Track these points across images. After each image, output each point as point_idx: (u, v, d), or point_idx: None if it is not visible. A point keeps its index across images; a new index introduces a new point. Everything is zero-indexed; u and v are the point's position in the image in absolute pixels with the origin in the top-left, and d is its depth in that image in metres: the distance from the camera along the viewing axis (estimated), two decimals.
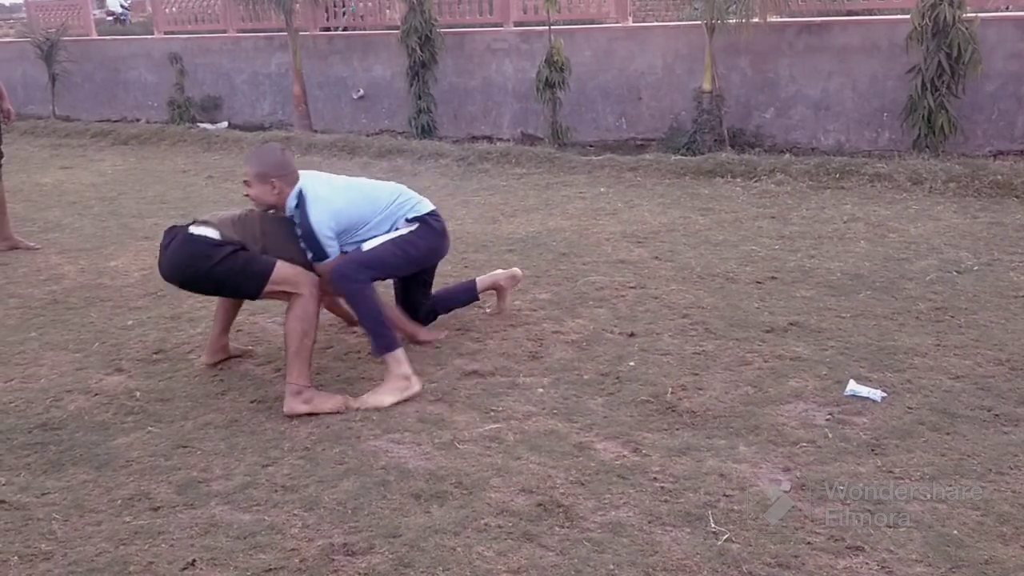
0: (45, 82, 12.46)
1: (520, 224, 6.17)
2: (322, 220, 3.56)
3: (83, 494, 2.85)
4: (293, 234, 3.62)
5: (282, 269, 3.46)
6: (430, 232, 3.88)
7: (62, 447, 3.18)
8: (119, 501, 2.80)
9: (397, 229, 3.79)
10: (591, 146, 9.16)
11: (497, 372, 3.71)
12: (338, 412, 3.37)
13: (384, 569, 2.41)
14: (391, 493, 2.79)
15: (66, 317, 4.55)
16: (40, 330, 4.37)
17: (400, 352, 3.57)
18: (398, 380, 3.51)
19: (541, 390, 3.52)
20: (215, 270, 3.41)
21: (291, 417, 3.33)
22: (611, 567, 2.38)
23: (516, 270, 4.44)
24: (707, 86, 8.29)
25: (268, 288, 3.45)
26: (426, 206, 3.94)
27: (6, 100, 5.88)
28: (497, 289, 4.36)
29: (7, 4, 33.19)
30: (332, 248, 3.59)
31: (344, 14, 11.15)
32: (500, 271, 4.42)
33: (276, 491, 2.84)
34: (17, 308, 4.71)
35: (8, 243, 5.87)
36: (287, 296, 3.48)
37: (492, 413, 3.34)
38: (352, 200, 3.72)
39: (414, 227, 3.82)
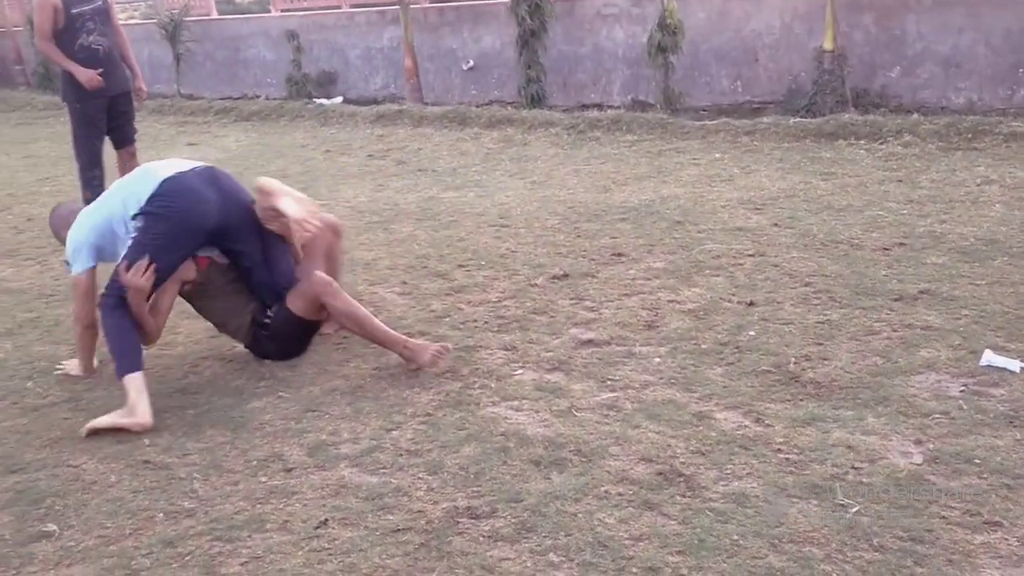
0: (170, 62, 12.97)
1: (632, 192, 6.11)
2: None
3: (221, 455, 3.00)
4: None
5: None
6: (156, 218, 3.50)
7: (200, 410, 3.35)
8: (254, 462, 2.93)
9: (132, 235, 3.53)
10: (704, 111, 8.95)
11: (613, 341, 3.71)
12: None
13: (507, 532, 2.46)
14: (511, 459, 2.83)
15: None
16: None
17: (138, 377, 3.32)
18: (126, 407, 3.26)
19: (658, 359, 3.49)
20: None
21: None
22: (735, 537, 2.36)
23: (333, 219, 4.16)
24: (828, 45, 7.97)
25: None
26: (149, 186, 3.57)
27: (140, 79, 6.14)
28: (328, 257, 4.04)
29: None
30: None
31: None
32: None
33: (401, 455, 2.92)
34: None
35: None
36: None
37: (609, 382, 3.34)
38: (94, 226, 3.62)
39: (139, 224, 3.52)
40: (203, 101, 11.95)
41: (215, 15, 14.00)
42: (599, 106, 9.68)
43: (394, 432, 3.08)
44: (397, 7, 10.59)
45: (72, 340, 3.83)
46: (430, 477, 2.78)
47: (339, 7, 12.21)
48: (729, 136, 7.46)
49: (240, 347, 3.88)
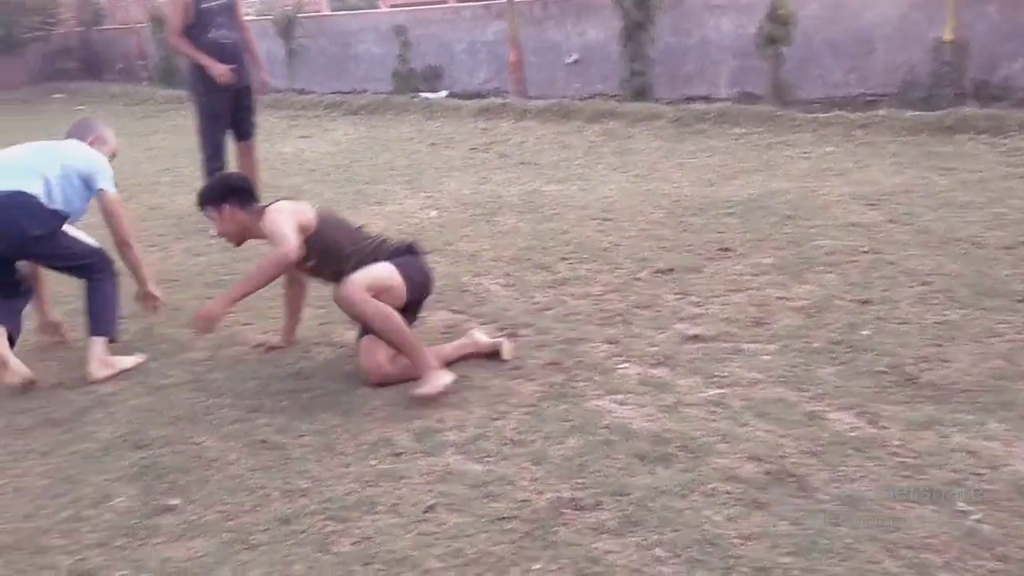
0: (283, 57, 13.38)
1: (740, 186, 6.00)
2: None
3: (333, 438, 3.09)
4: None
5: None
6: None
7: (313, 394, 3.45)
8: (365, 446, 3.01)
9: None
10: (816, 103, 8.70)
11: (720, 337, 3.65)
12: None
13: (612, 525, 2.45)
14: (616, 452, 2.83)
15: None
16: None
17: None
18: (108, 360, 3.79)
19: (767, 357, 3.43)
20: None
21: None
22: (848, 541, 2.30)
23: None
24: (948, 35, 7.65)
25: None
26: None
27: (264, 72, 6.36)
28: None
29: None
30: None
31: None
32: None
33: (505, 444, 2.95)
34: None
35: None
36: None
37: (716, 378, 3.29)
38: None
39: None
40: (314, 95, 12.30)
41: (327, 11, 14.38)
42: (705, 99, 9.53)
43: (498, 421, 3.11)
44: (503, 1, 10.65)
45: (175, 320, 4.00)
46: (534, 467, 2.79)
47: (446, 2, 12.37)
48: (842, 129, 7.24)
49: (349, 334, 3.99)
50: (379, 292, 3.38)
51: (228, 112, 6.06)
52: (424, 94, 11.57)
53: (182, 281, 4.98)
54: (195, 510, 2.71)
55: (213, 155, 6.07)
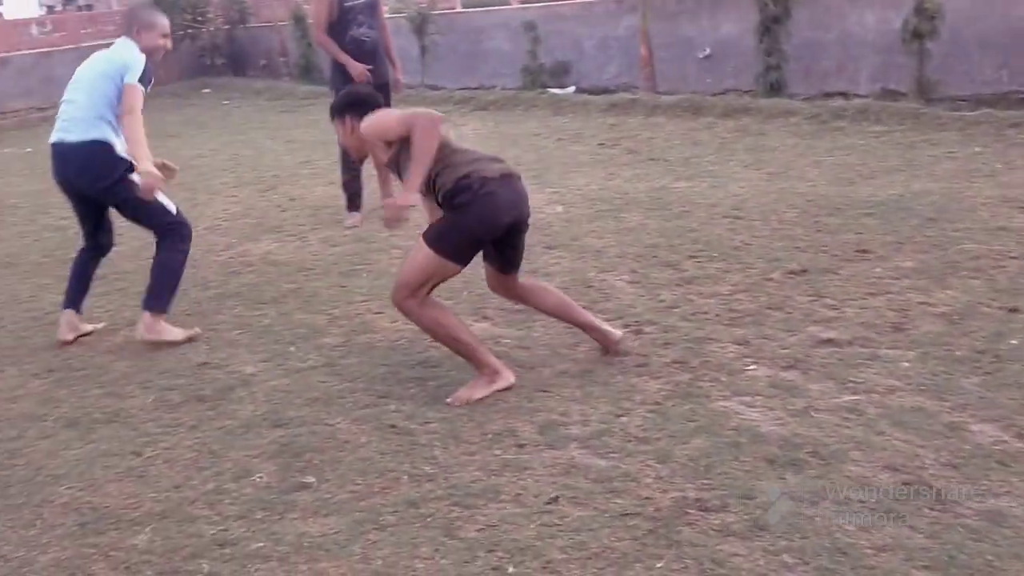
0: (416, 54, 13.66)
1: (880, 186, 5.77)
2: None
3: (459, 426, 3.16)
4: None
5: None
6: None
7: (440, 382, 3.54)
8: (489, 435, 3.07)
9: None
10: (962, 101, 8.25)
11: (855, 342, 3.53)
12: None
13: (738, 528, 2.42)
14: (743, 455, 2.78)
15: None
16: None
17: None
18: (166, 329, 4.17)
19: (906, 364, 3.29)
20: None
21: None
22: (989, 558, 2.19)
23: None
24: None
25: None
26: None
27: (399, 71, 6.54)
28: None
29: None
30: None
31: None
32: None
33: (630, 441, 2.95)
34: (399, 258, 5.26)
35: None
36: None
37: (850, 384, 3.19)
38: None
39: None
40: (445, 91, 12.52)
41: (459, 8, 14.60)
42: (844, 95, 9.19)
43: (623, 418, 3.11)
44: None
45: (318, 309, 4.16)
46: (659, 465, 2.78)
47: None
48: (991, 128, 6.87)
49: (476, 326, 4.06)
50: (427, 281, 3.28)
51: None
52: (552, 89, 11.60)
53: (318, 269, 5.17)
54: (329, 488, 2.82)
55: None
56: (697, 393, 3.24)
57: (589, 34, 12.00)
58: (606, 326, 3.65)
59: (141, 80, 4.12)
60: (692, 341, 3.69)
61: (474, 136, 9.36)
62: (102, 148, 4.13)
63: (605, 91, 11.14)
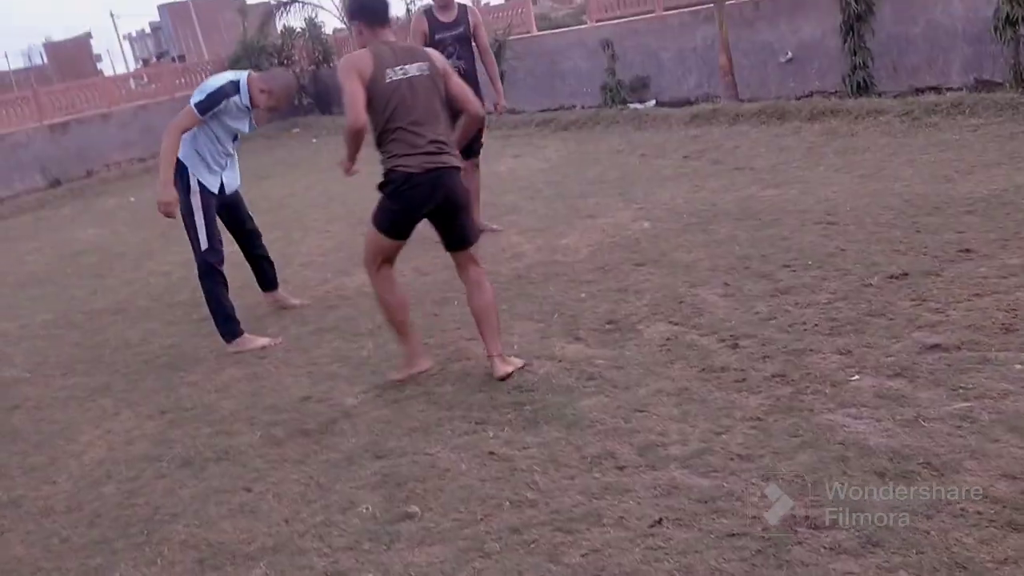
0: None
1: (979, 182, 5.54)
2: None
3: (557, 450, 3.16)
4: None
5: None
6: None
7: (536, 407, 3.54)
8: (588, 458, 3.06)
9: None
10: None
11: (963, 346, 3.40)
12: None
13: (850, 546, 2.35)
14: (851, 469, 2.70)
15: (528, 291, 5.05)
16: (509, 302, 4.90)
17: (243, 339, 4.87)
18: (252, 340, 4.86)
19: (1019, 366, 3.15)
20: None
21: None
22: None
23: None
24: None
25: None
26: None
27: (500, 96, 6.73)
28: None
29: None
30: None
31: None
32: None
33: (732, 459, 2.90)
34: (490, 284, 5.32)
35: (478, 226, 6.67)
36: None
37: (961, 390, 3.07)
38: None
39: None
40: (524, 114, 12.62)
41: (535, 32, 14.72)
42: (935, 89, 8.90)
43: (723, 436, 3.06)
44: (711, 5, 10.48)
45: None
46: (764, 483, 2.72)
47: (652, 11, 12.32)
48: None
49: (570, 348, 4.06)
50: (377, 253, 3.98)
51: None
52: (632, 105, 11.58)
53: (411, 299, 5.24)
54: (432, 518, 2.86)
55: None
56: (800, 407, 3.16)
57: (666, 47, 11.95)
58: (499, 360, 3.87)
59: (199, 105, 4.62)
60: (791, 353, 3.61)
61: (556, 157, 9.40)
62: (178, 165, 4.69)
63: (686, 103, 11.07)
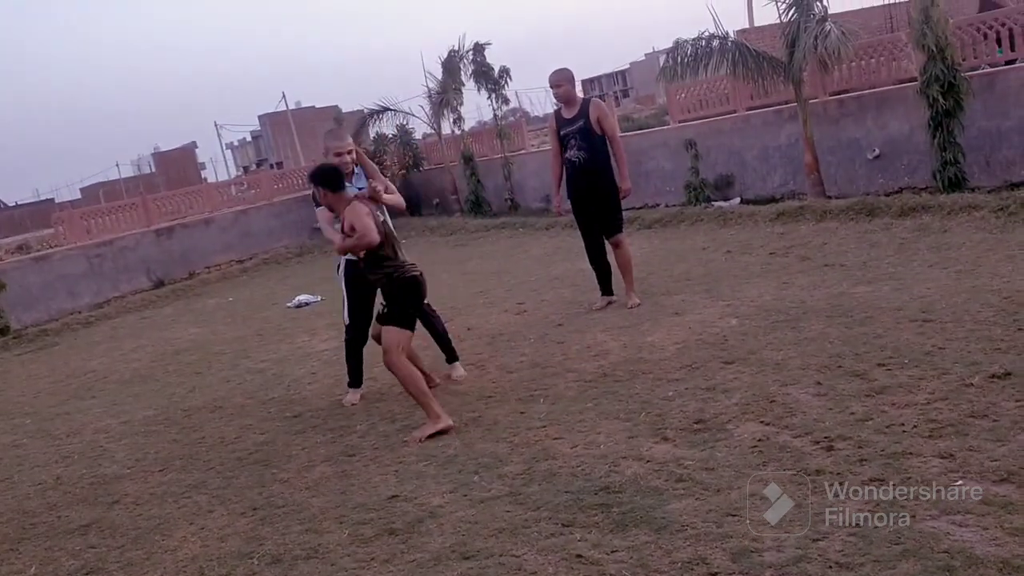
0: None
1: None
2: None
3: (646, 554, 3.09)
4: None
5: None
6: None
7: (623, 508, 3.49)
8: (679, 564, 2.98)
9: None
10: None
11: None
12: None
13: None
14: None
15: (614, 389, 5.02)
16: (594, 401, 4.88)
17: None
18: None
19: None
20: None
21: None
22: None
23: None
24: None
25: None
26: None
27: (624, 180, 7.01)
28: None
29: (539, 115, 38.65)
30: None
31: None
32: None
33: (830, 567, 2.79)
34: (575, 382, 5.33)
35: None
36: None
37: None
38: None
39: None
40: None
41: (619, 133, 14.98)
42: None
43: (820, 542, 2.95)
44: (794, 104, 10.53)
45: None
46: None
47: (735, 111, 12.45)
48: None
49: (657, 448, 4.01)
50: (405, 346, 4.94)
51: (585, 216, 7.11)
52: (716, 203, 11.61)
53: (497, 397, 5.29)
54: None
55: (586, 248, 7.27)
56: (901, 513, 3.03)
57: (750, 146, 12.01)
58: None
59: (315, 198, 5.34)
60: (890, 456, 3.48)
61: (641, 254, 9.43)
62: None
63: (771, 200, 11.04)
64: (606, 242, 7.16)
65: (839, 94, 11.05)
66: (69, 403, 7.72)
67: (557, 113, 7.07)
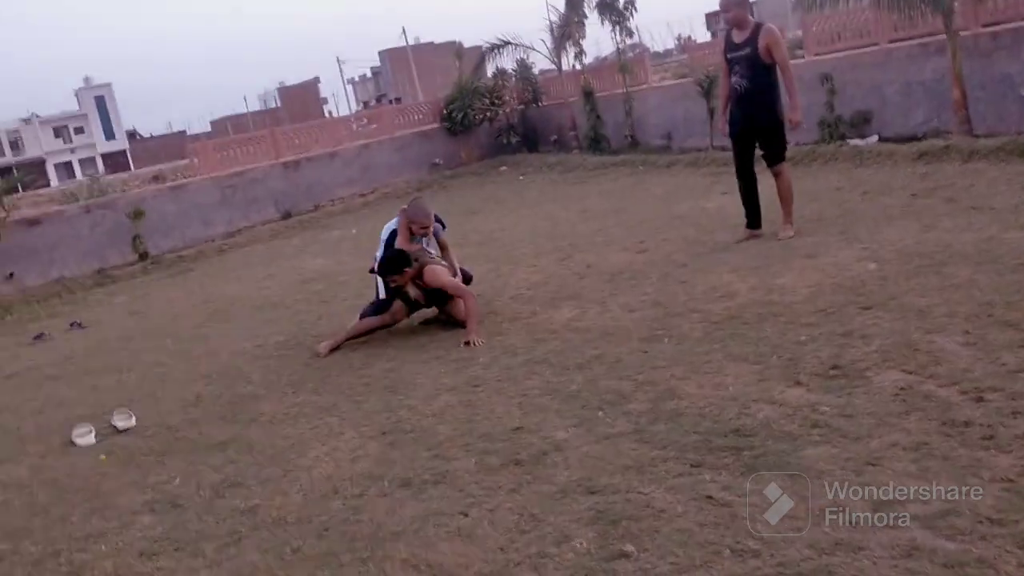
0: (704, 117, 13.66)
1: None
2: None
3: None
4: None
5: None
6: None
7: (755, 452, 3.39)
8: (816, 511, 2.88)
9: None
10: None
11: None
12: None
13: None
14: None
15: (742, 331, 4.87)
16: (721, 343, 4.75)
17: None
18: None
19: None
20: None
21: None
22: None
23: None
24: None
25: None
26: None
27: (794, 111, 6.87)
28: None
29: (660, 51, 37.61)
30: None
31: None
32: None
33: (981, 522, 2.64)
34: (700, 322, 5.20)
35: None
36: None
37: None
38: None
39: None
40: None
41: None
42: None
43: (970, 496, 2.80)
44: (942, 36, 9.86)
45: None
46: (1020, 551, 2.46)
47: (876, 44, 11.75)
48: None
49: (789, 392, 3.88)
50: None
51: (740, 144, 7.19)
52: (852, 141, 11.05)
53: (619, 335, 5.23)
54: (649, 559, 2.79)
55: (737, 176, 7.36)
56: None
57: (890, 80, 11.34)
58: None
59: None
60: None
61: (770, 194, 9.10)
62: None
63: (912, 139, 10.43)
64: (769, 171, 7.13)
65: (992, 25, 10.26)
66: (206, 326, 8.09)
67: (727, 35, 7.09)
